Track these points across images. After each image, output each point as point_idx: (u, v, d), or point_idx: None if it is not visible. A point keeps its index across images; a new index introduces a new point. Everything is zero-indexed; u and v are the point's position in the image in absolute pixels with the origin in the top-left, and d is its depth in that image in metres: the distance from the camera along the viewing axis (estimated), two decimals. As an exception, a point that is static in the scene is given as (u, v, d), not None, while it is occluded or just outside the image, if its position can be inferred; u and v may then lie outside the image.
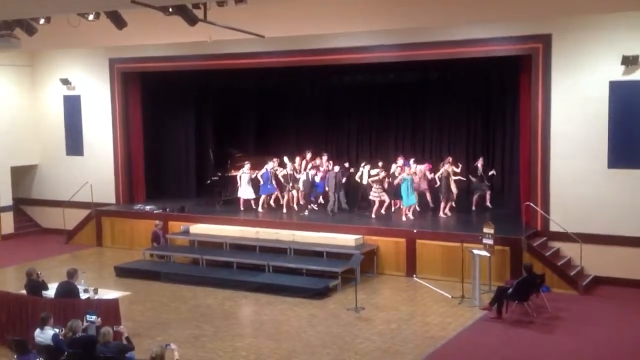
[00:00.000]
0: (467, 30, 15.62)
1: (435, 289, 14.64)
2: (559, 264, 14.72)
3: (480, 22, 15.13)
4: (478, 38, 15.63)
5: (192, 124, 21.53)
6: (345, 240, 15.95)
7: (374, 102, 20.61)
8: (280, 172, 18.54)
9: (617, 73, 14.60)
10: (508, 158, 18.47)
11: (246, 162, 19.14)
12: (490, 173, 18.07)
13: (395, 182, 17.13)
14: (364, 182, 17.98)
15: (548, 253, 14.89)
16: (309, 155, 19.05)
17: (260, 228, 17.17)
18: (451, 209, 17.47)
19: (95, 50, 20.02)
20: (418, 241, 15.62)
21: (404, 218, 16.96)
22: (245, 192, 18.86)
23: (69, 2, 11.50)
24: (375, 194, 17.36)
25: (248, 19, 14.45)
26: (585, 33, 14.83)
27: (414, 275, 15.58)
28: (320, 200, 18.74)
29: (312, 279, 14.98)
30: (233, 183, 19.88)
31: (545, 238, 15.36)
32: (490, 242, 13.95)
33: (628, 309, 13.35)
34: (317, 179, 18.14)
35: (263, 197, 18.78)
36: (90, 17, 14.38)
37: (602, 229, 14.83)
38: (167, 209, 19.00)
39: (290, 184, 18.40)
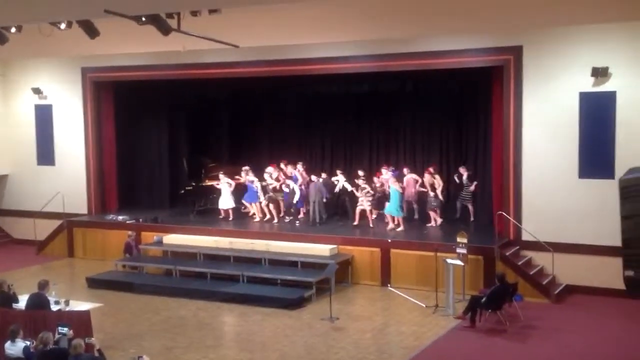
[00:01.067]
0: (441, 42, 15.77)
1: (410, 299, 14.69)
2: (531, 272, 14.85)
3: (453, 33, 15.29)
4: (451, 49, 15.78)
5: (166, 134, 21.40)
6: (320, 250, 15.95)
7: (349, 112, 20.69)
8: (266, 183, 18.49)
9: (587, 84, 14.82)
10: (481, 168, 18.60)
11: (221, 172, 19.09)
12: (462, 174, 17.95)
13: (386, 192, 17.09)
14: (337, 189, 18.05)
15: (520, 262, 15.02)
16: (283, 164, 19.02)
17: (234, 238, 17.10)
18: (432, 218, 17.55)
19: (67, 60, 19.85)
20: (392, 251, 15.67)
21: (390, 226, 16.94)
22: (226, 202, 18.83)
23: (40, 11, 11.41)
24: (367, 204, 17.31)
25: (222, 28, 14.44)
26: (556, 45, 15.04)
27: (389, 285, 15.62)
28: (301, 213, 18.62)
29: (287, 289, 14.95)
30: (207, 193, 19.81)
31: (517, 247, 15.50)
32: (464, 251, 14.05)
33: (599, 317, 13.51)
34: (297, 190, 18.02)
35: (255, 205, 18.73)
36: (63, 26, 14.27)
37: (573, 238, 15.00)
38: (140, 219, 18.83)
39: (268, 195, 18.39)
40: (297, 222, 18.06)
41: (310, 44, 16.33)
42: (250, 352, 11.78)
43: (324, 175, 18.41)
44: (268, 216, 18.48)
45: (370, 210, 17.30)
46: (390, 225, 16.91)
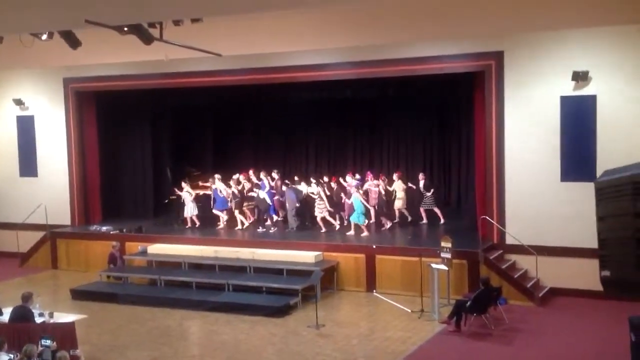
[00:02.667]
0: (422, 48, 15.86)
1: (395, 304, 14.72)
2: (515, 276, 14.93)
3: (435, 39, 15.39)
4: (433, 55, 15.87)
5: (149, 143, 21.36)
6: (305, 257, 15.94)
7: (332, 118, 20.80)
8: (231, 189, 18.57)
9: (568, 88, 14.96)
10: (464, 172, 18.76)
11: (183, 181, 19.21)
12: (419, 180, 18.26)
13: (349, 200, 17.21)
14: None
15: (504, 266, 15.10)
16: (251, 172, 19.10)
17: (219, 247, 17.06)
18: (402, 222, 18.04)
19: (49, 70, 19.77)
20: (377, 256, 15.70)
21: (365, 233, 17.03)
22: (189, 210, 18.94)
23: (21, 22, 11.37)
24: (319, 210, 17.55)
25: (205, 37, 14.46)
26: (537, 50, 15.17)
27: (374, 291, 15.65)
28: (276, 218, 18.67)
29: (273, 296, 14.93)
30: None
31: (501, 251, 15.59)
32: (448, 255, 14.11)
33: (583, 319, 13.61)
34: (266, 198, 18.10)
35: (223, 212, 18.82)
36: (44, 37, 14.22)
37: (556, 241, 15.11)
38: (124, 230, 18.76)
39: (235, 202, 18.47)
40: (272, 229, 18.10)
41: (292, 51, 16.39)
42: (236, 360, 11.76)
43: (296, 179, 18.53)
44: (245, 223, 18.61)
45: (323, 217, 17.52)
46: (365, 233, 17.04)
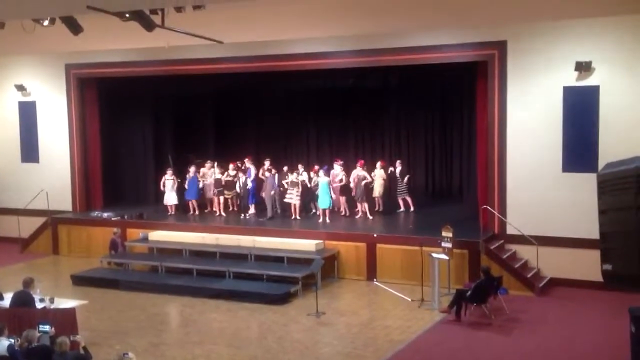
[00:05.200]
0: (425, 37, 15.81)
1: (396, 293, 14.74)
2: (515, 266, 14.94)
3: (438, 28, 15.34)
4: (435, 45, 15.81)
5: (151, 130, 21.37)
6: (306, 245, 15.96)
7: (334, 106, 20.76)
8: (223, 177, 18.79)
9: (571, 79, 14.90)
10: (465, 162, 18.74)
11: (168, 169, 19.35)
12: (406, 177, 18.51)
13: (312, 185, 17.73)
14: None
15: (505, 256, 15.11)
16: (247, 160, 19.23)
17: (220, 234, 17.08)
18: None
19: (50, 56, 19.73)
20: (378, 245, 15.72)
21: (320, 220, 17.43)
22: (170, 198, 19.09)
23: (23, 7, 11.36)
24: (290, 197, 17.87)
25: (206, 24, 14.42)
26: (540, 39, 15.11)
27: (375, 279, 15.67)
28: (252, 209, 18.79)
29: (273, 284, 14.96)
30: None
31: (502, 241, 15.59)
32: (449, 245, 14.12)
33: (583, 310, 13.63)
34: (249, 184, 18.30)
35: (192, 201, 19.13)
36: (45, 22, 14.18)
37: (558, 232, 15.11)
38: (125, 216, 18.79)
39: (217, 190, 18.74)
40: (247, 216, 18.33)
41: (294, 39, 16.34)
42: (236, 347, 11.79)
43: (285, 169, 18.67)
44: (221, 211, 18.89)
45: (295, 205, 17.88)
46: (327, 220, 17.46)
